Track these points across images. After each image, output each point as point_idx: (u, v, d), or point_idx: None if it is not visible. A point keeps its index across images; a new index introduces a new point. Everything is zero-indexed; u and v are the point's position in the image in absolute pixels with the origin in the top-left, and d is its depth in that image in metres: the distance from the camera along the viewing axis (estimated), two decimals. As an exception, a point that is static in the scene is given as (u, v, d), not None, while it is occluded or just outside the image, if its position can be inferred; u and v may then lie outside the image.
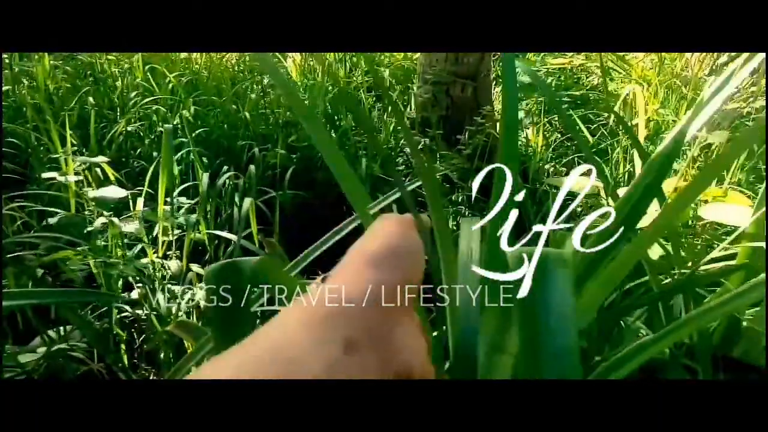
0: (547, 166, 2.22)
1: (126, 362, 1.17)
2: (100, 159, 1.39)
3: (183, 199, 1.26)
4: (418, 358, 0.29)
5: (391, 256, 0.29)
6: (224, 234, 1.19)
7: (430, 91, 2.25)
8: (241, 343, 0.25)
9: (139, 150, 1.89)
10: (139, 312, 1.20)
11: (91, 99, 1.95)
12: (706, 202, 1.40)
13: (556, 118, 2.57)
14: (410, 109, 2.39)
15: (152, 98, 1.98)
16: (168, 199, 1.26)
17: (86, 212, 1.37)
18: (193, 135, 1.74)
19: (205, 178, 1.28)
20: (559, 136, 2.49)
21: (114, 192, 1.40)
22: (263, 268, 0.39)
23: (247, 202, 1.16)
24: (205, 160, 1.90)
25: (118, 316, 1.21)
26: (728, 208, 1.14)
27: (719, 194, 1.26)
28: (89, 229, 1.20)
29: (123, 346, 1.18)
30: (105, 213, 1.25)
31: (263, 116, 1.98)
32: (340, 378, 0.24)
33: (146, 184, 1.42)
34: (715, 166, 0.80)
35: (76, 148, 1.91)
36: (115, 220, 1.12)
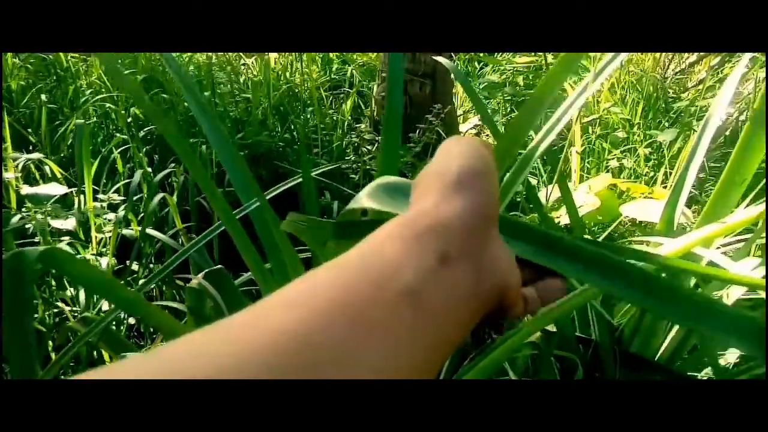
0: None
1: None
2: (36, 156, 1.39)
3: (114, 196, 1.26)
4: (510, 277, 0.29)
5: (474, 176, 0.29)
6: (152, 232, 1.19)
7: (388, 89, 2.25)
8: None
9: (90, 147, 1.89)
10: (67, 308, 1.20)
11: (43, 96, 1.95)
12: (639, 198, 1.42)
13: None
14: (371, 108, 2.39)
15: (105, 96, 1.99)
16: (99, 196, 1.26)
17: (23, 210, 1.37)
18: (140, 133, 1.75)
19: (137, 175, 1.28)
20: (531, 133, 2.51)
21: (50, 189, 1.40)
22: (49, 257, 0.40)
23: (158, 196, 1.16)
24: (156, 157, 1.90)
25: (47, 313, 1.21)
26: (648, 204, 1.16)
27: (645, 191, 1.27)
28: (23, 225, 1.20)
29: (51, 343, 1.18)
30: (40, 210, 1.26)
31: (218, 114, 1.98)
32: (434, 289, 0.24)
33: (90, 181, 1.42)
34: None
35: (32, 146, 1.91)
36: (39, 216, 1.13)
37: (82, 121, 1.25)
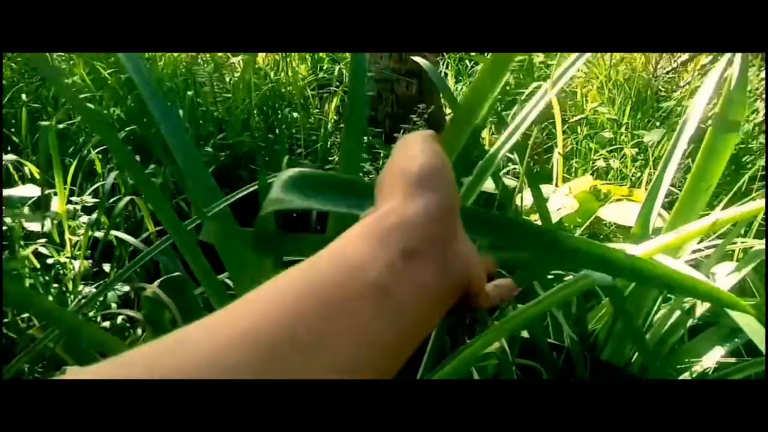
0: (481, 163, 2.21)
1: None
2: (11, 157, 1.38)
3: (88, 198, 1.24)
4: (474, 268, 0.30)
5: (434, 174, 0.30)
6: (120, 234, 1.18)
7: (375, 89, 2.24)
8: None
9: (72, 148, 1.88)
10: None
11: (24, 96, 1.93)
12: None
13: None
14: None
15: (87, 95, 1.97)
16: (72, 198, 1.24)
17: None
18: (121, 134, 1.73)
19: (110, 176, 1.26)
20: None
21: (25, 191, 1.38)
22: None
23: (126, 198, 1.15)
24: (138, 158, 1.88)
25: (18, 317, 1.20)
26: (626, 207, 1.14)
27: (625, 193, 1.25)
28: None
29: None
30: (12, 213, 1.24)
31: (202, 114, 1.97)
32: (399, 283, 0.25)
33: (69, 182, 1.40)
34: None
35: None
36: (8, 219, 1.11)
37: (47, 123, 1.23)
